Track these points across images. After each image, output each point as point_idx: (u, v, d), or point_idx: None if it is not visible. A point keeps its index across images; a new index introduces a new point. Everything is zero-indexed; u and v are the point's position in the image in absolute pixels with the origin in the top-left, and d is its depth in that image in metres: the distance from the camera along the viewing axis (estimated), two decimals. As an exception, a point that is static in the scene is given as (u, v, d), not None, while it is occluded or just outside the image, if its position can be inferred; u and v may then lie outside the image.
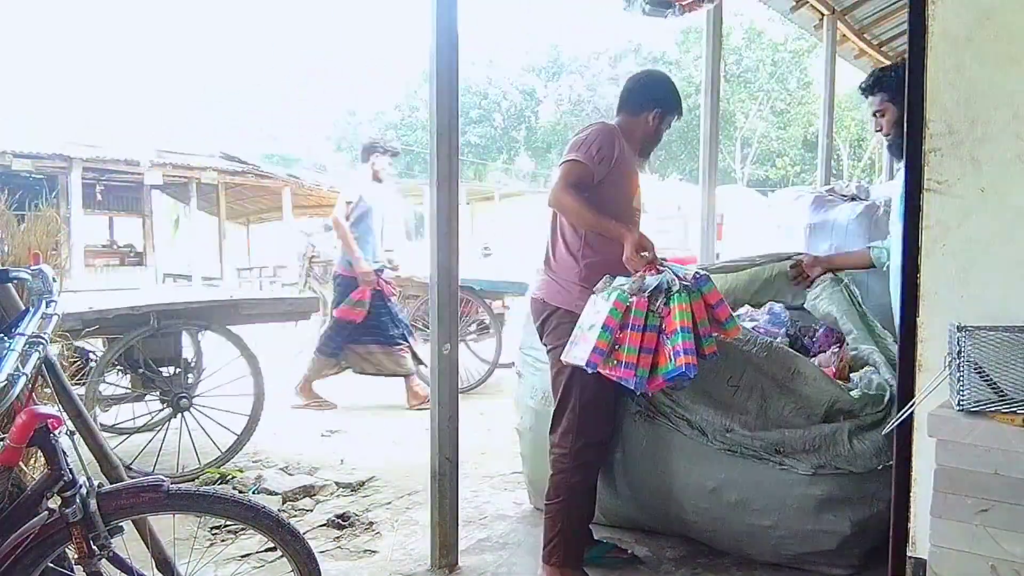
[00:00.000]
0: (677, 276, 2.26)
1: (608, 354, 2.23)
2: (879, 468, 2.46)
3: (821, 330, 3.26)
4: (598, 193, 2.50)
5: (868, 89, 3.04)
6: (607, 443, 2.67)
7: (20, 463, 1.96)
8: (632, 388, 2.25)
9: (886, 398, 2.59)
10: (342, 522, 3.25)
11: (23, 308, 2.00)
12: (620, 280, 2.34)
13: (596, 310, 2.30)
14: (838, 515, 2.55)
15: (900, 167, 2.19)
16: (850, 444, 2.53)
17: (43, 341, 1.70)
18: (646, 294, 2.24)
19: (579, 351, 2.29)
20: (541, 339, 2.69)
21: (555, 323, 2.57)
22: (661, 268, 2.31)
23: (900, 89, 2.12)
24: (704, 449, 2.67)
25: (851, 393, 2.69)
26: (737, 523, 2.66)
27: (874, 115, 3.06)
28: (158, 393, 4.03)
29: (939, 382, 1.69)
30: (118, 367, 4.00)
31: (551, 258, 2.64)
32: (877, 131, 3.08)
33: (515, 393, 3.29)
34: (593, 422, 2.52)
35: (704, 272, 2.33)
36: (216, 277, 15.18)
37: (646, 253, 2.33)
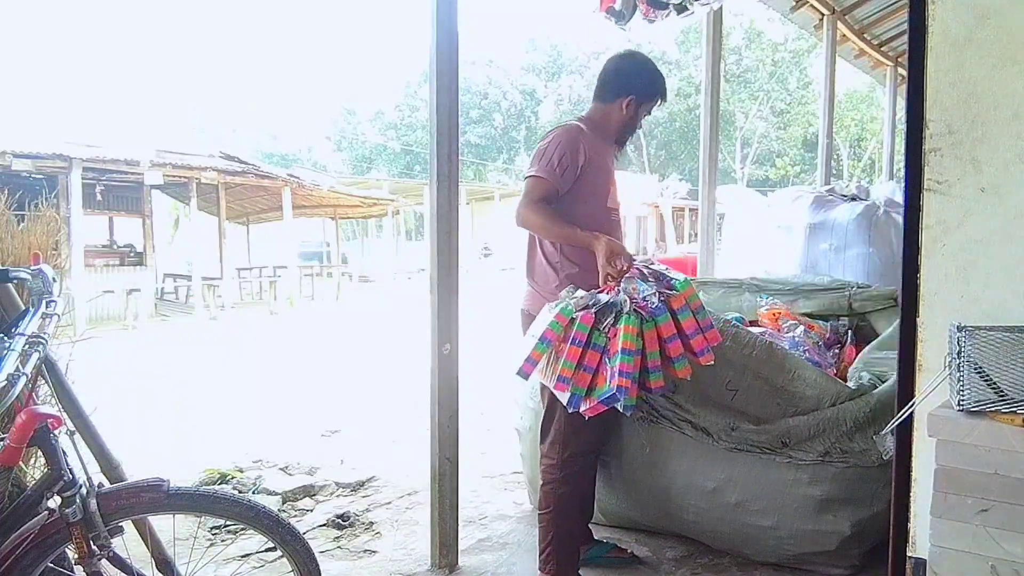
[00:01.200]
0: (632, 298, 2.13)
1: (544, 366, 2.16)
2: (883, 456, 2.45)
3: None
4: (569, 199, 2.44)
5: None
6: (598, 452, 2.63)
7: (20, 463, 1.96)
8: (565, 404, 2.16)
9: (882, 385, 2.61)
10: (342, 522, 3.25)
11: (23, 308, 2.00)
12: (581, 292, 2.25)
13: (543, 320, 2.21)
14: (838, 515, 2.55)
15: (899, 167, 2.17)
16: (852, 424, 2.53)
17: (43, 341, 1.70)
18: (593, 310, 2.14)
19: (518, 360, 2.21)
20: None
21: None
22: (645, 276, 2.21)
23: None
24: (707, 450, 2.67)
25: (849, 385, 2.69)
26: (737, 523, 2.66)
27: None
28: None
29: (939, 382, 1.69)
30: None
31: (532, 269, 2.58)
32: None
33: (515, 393, 3.29)
34: (580, 433, 2.45)
35: (662, 301, 2.14)
36: (216, 277, 15.19)
37: (618, 260, 2.23)
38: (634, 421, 2.75)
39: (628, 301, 2.13)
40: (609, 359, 2.11)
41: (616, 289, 2.19)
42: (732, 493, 2.64)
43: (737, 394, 2.61)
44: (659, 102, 2.64)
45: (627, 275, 2.22)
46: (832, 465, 2.54)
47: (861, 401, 2.57)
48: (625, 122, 2.59)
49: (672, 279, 2.23)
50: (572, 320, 2.13)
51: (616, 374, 2.07)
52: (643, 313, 2.12)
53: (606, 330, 2.12)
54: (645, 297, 2.14)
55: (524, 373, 2.19)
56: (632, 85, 2.56)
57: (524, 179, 2.48)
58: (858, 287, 3.48)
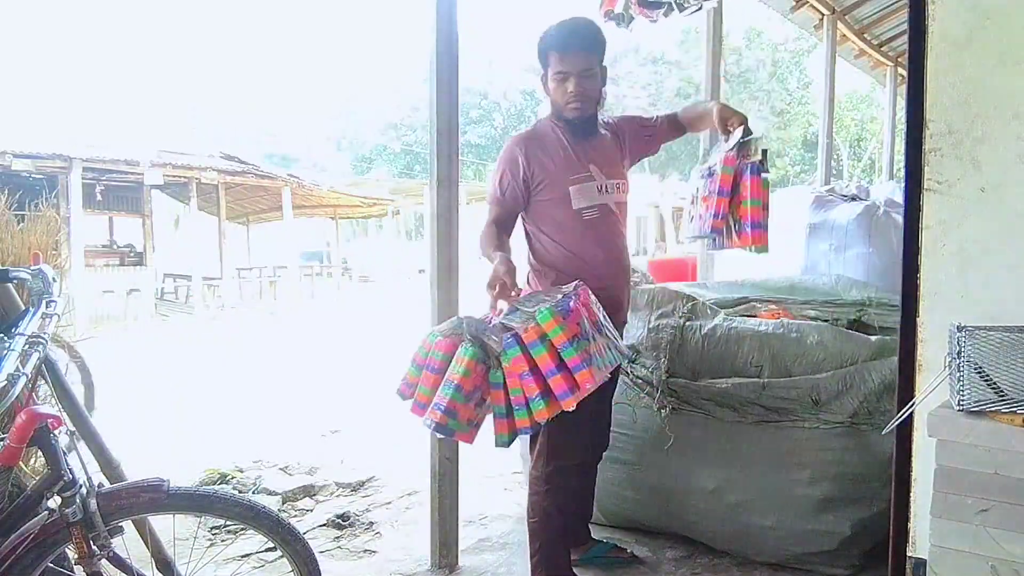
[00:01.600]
0: (480, 330, 2.02)
1: (415, 387, 2.13)
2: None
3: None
4: (537, 210, 2.45)
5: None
6: (589, 464, 2.60)
7: (20, 463, 1.96)
8: (428, 428, 2.06)
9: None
10: (342, 522, 3.25)
11: (23, 308, 2.00)
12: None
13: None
14: (838, 516, 2.55)
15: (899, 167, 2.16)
16: (879, 383, 2.52)
17: (43, 341, 1.70)
18: (453, 337, 2.06)
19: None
20: None
21: None
22: (517, 306, 2.12)
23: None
24: (707, 450, 2.68)
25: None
26: (738, 524, 2.66)
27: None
28: None
29: (939, 382, 1.69)
30: None
31: (527, 281, 2.57)
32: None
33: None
34: (565, 446, 2.39)
35: (514, 336, 1.98)
36: (216, 277, 15.20)
37: (492, 288, 2.13)
38: (655, 412, 2.74)
39: (465, 332, 2.04)
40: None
41: (496, 316, 2.14)
42: (732, 494, 2.64)
43: (763, 368, 2.63)
44: (556, 55, 2.37)
45: (517, 301, 2.15)
46: (842, 445, 2.54)
47: (887, 361, 2.54)
48: (554, 97, 2.44)
49: (535, 311, 2.04)
50: (431, 346, 2.10)
51: (433, 406, 2.00)
52: (494, 348, 2.00)
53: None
54: (492, 328, 2.04)
55: (401, 394, 2.18)
56: (539, 60, 2.47)
57: None
58: (878, 304, 3.38)
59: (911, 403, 1.85)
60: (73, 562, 1.79)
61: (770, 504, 2.61)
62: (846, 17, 6.82)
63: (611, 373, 2.25)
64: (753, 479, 2.61)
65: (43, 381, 2.06)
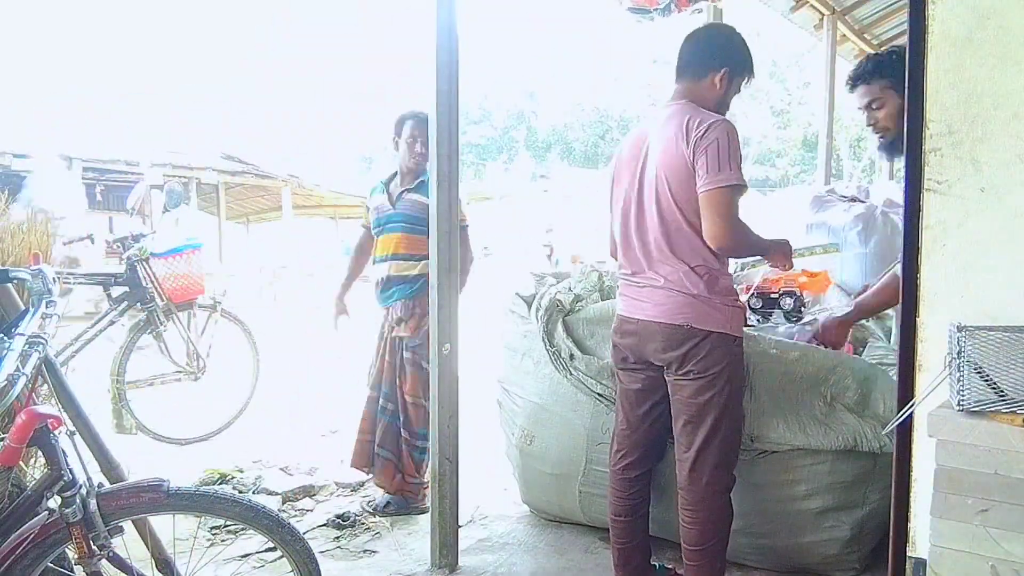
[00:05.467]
0: None
1: None
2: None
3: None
4: None
5: (867, 76, 2.63)
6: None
7: (20, 463, 1.96)
8: None
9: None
10: (342, 522, 3.25)
11: (23, 308, 2.00)
12: None
13: None
14: (835, 521, 2.56)
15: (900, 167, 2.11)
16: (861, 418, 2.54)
17: (43, 341, 1.70)
18: None
19: None
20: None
21: None
22: None
23: (903, 75, 1.88)
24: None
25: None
26: (741, 548, 2.63)
27: (868, 106, 2.64)
28: None
29: (939, 382, 1.69)
30: None
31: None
32: (870, 125, 2.67)
33: (500, 419, 3.36)
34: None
35: None
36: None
37: None
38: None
39: None
40: None
41: None
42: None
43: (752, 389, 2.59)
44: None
45: None
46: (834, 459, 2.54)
47: (860, 366, 2.64)
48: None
49: None
50: None
51: None
52: None
53: None
54: None
55: None
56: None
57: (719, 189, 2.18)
58: None
59: (911, 403, 1.85)
60: (73, 562, 1.80)
61: (771, 527, 2.61)
62: (846, 17, 6.81)
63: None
64: (750, 504, 2.57)
65: (43, 381, 2.06)
